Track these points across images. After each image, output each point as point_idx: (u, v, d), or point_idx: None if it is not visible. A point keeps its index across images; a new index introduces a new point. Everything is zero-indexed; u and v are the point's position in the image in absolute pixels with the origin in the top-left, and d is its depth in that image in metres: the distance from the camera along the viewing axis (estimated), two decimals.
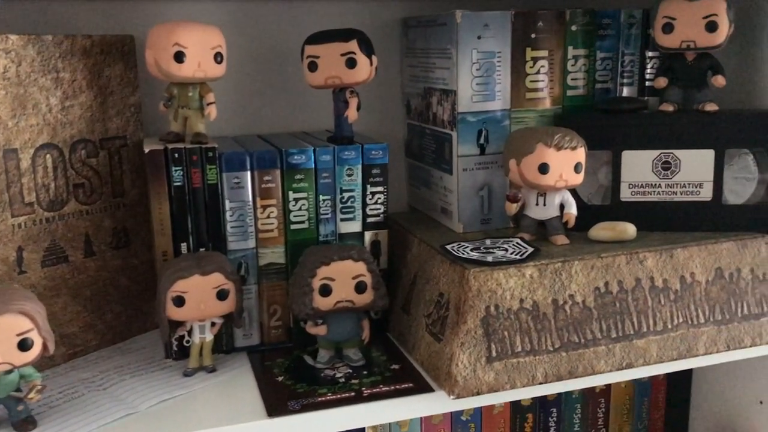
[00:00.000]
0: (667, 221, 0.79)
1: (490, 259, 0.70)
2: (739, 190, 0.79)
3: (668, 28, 0.76)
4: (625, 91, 0.85)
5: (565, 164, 0.73)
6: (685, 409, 0.98)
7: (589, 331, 0.70)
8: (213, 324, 0.71)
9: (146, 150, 0.71)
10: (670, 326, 0.72)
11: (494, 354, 0.67)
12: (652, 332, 0.72)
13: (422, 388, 0.67)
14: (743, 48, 0.84)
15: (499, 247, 0.73)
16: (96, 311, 0.77)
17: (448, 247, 0.74)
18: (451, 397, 0.65)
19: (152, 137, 0.77)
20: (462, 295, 0.67)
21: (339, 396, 0.66)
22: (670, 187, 0.79)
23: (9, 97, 0.67)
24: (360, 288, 0.70)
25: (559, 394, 0.91)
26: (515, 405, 0.89)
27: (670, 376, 0.96)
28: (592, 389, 0.92)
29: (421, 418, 0.86)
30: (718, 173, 0.78)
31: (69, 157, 0.73)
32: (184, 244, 0.73)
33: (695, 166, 0.78)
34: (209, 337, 0.71)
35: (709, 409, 0.94)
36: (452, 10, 0.76)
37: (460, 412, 0.87)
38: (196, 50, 0.70)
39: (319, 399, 0.65)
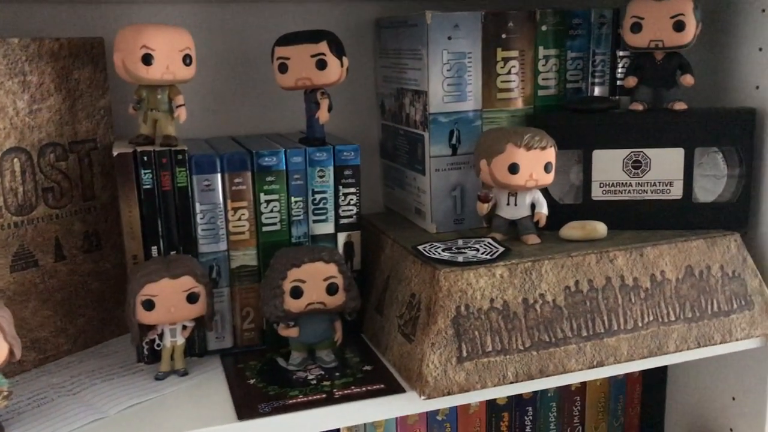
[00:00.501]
0: (639, 219, 0.80)
1: (460, 259, 0.70)
2: (709, 188, 0.80)
3: (636, 28, 0.76)
4: (597, 91, 0.85)
5: (535, 164, 0.74)
6: (661, 407, 0.98)
7: (560, 330, 0.70)
8: (184, 327, 0.71)
9: (115, 153, 0.70)
10: (640, 324, 0.73)
11: (465, 354, 0.67)
12: (622, 330, 0.72)
13: (394, 389, 0.67)
14: (713, 47, 0.85)
15: (470, 247, 0.73)
16: (67, 316, 0.76)
17: (420, 247, 0.74)
18: (422, 397, 0.65)
19: (123, 140, 0.77)
20: (433, 296, 0.67)
21: (310, 398, 0.66)
22: (641, 186, 0.79)
23: None
24: (331, 290, 0.70)
25: (535, 393, 0.91)
26: (491, 404, 0.89)
27: (646, 374, 0.97)
28: (567, 387, 0.93)
29: (396, 418, 0.86)
30: (687, 172, 0.78)
31: (38, 160, 0.72)
32: (155, 247, 0.72)
33: (665, 165, 0.79)
34: (180, 340, 0.71)
35: (684, 406, 0.95)
36: (423, 11, 0.77)
37: (436, 412, 0.87)
38: (164, 52, 0.70)
39: (290, 401, 0.65)
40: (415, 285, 0.71)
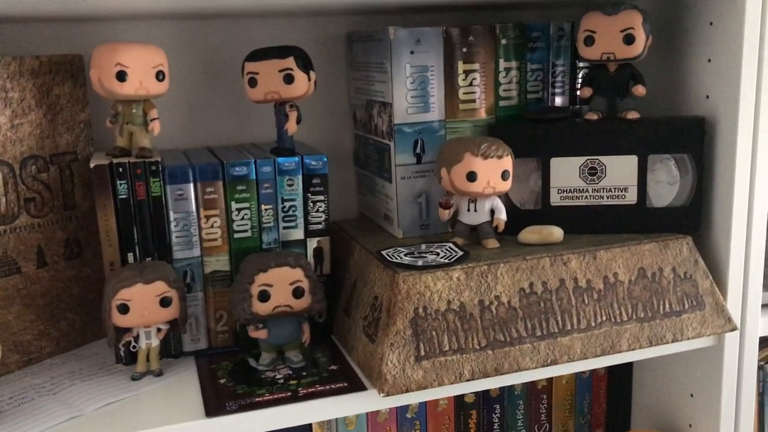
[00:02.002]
0: (596, 224, 0.83)
1: (420, 263, 0.74)
2: (663, 193, 0.83)
3: (589, 41, 0.80)
4: (557, 101, 0.89)
5: (492, 172, 0.77)
6: (627, 404, 1.02)
7: (515, 329, 0.74)
8: (159, 330, 0.75)
9: (92, 165, 0.74)
10: (593, 324, 0.76)
11: (423, 353, 0.70)
12: (576, 330, 0.76)
13: (356, 387, 0.71)
14: (664, 59, 0.88)
15: (431, 252, 0.77)
16: (50, 320, 0.80)
17: (384, 252, 0.78)
18: (381, 395, 0.69)
19: (102, 152, 0.81)
20: (392, 298, 0.71)
21: (275, 396, 0.70)
22: (597, 192, 0.83)
23: None
24: (297, 293, 0.74)
25: (502, 391, 0.95)
26: (459, 402, 0.93)
27: (611, 373, 1.00)
28: (534, 386, 0.96)
29: (367, 416, 0.89)
30: (641, 178, 0.82)
31: (20, 172, 0.76)
32: (131, 254, 0.76)
33: (620, 172, 0.82)
34: (155, 342, 0.75)
35: (648, 403, 0.99)
36: (388, 26, 0.80)
37: (405, 410, 0.91)
38: (137, 69, 0.73)
39: (257, 399, 0.69)
40: (378, 288, 0.75)
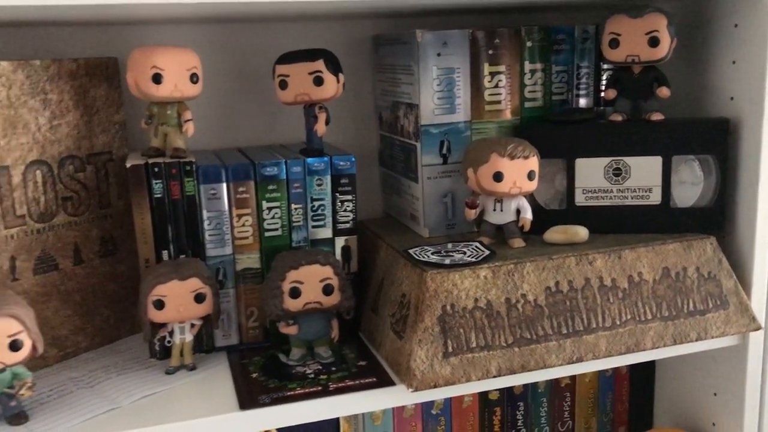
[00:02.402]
0: (620, 224, 0.84)
1: (447, 261, 0.75)
2: (687, 194, 0.84)
3: (614, 44, 0.81)
4: (581, 102, 0.90)
5: (518, 172, 0.79)
6: (650, 403, 1.03)
7: (541, 327, 0.75)
8: (192, 325, 0.77)
9: (128, 165, 0.76)
10: (618, 322, 0.77)
11: (450, 349, 0.72)
12: (601, 328, 0.77)
13: (385, 382, 0.73)
14: (689, 61, 0.89)
15: (458, 251, 0.79)
16: (86, 315, 0.82)
17: (411, 251, 0.79)
18: (410, 390, 0.70)
19: (136, 152, 0.83)
20: (420, 296, 0.73)
21: (306, 390, 0.71)
22: (622, 192, 0.84)
23: (0, 118, 0.73)
24: (327, 290, 0.75)
25: (526, 389, 0.96)
26: (483, 399, 0.94)
27: (634, 371, 1.01)
28: (557, 384, 0.97)
29: (393, 412, 0.91)
30: (665, 178, 0.83)
31: (57, 172, 0.78)
32: (165, 251, 0.78)
33: (644, 172, 0.83)
34: (189, 337, 0.77)
35: (671, 402, 0.99)
36: (415, 29, 0.82)
37: (431, 406, 0.92)
38: (172, 72, 0.76)
39: (288, 393, 0.71)
40: (406, 286, 0.76)
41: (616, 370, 1.00)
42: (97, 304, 0.83)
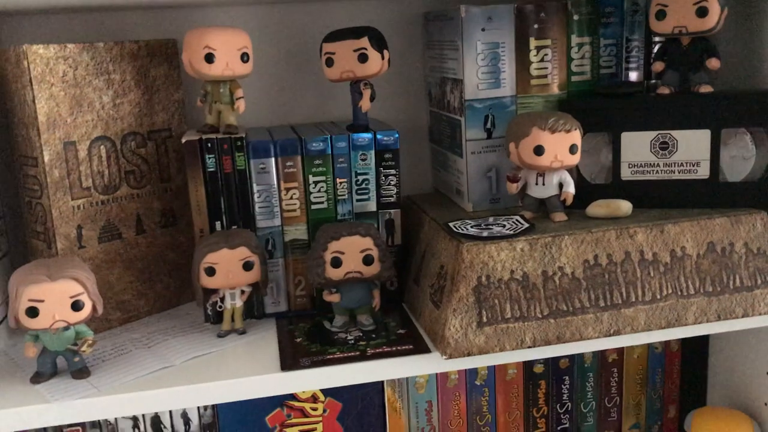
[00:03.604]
0: (667, 199, 0.83)
1: (485, 234, 0.76)
2: (737, 168, 0.82)
3: (661, 15, 0.80)
4: (632, 76, 0.89)
5: (559, 146, 0.79)
6: (702, 381, 1.01)
7: (578, 300, 0.75)
8: (242, 292, 0.81)
9: (183, 140, 0.81)
10: (659, 297, 0.77)
11: (485, 319, 0.73)
12: (640, 302, 0.77)
13: (421, 349, 0.75)
14: (745, 31, 0.87)
15: (498, 224, 0.80)
16: (147, 281, 0.88)
17: (451, 224, 0.81)
18: (444, 357, 0.72)
19: (194, 129, 0.87)
20: (456, 267, 0.74)
21: (345, 355, 0.74)
22: (669, 167, 0.83)
23: (68, 97, 0.79)
24: (367, 260, 0.78)
25: (571, 363, 0.96)
26: (528, 371, 0.95)
27: (685, 349, 1.00)
28: (604, 359, 0.97)
29: (437, 381, 0.93)
30: (714, 152, 0.81)
31: (120, 147, 0.84)
32: (218, 222, 0.83)
33: (692, 146, 0.82)
34: (239, 303, 0.81)
35: (723, 381, 0.98)
36: (462, 4, 0.83)
37: (474, 377, 0.94)
38: (224, 51, 0.79)
39: (328, 357, 0.74)
40: (444, 257, 0.78)
41: (665, 347, 0.99)
42: (158, 271, 0.89)
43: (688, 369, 1.00)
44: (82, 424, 0.88)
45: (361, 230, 0.78)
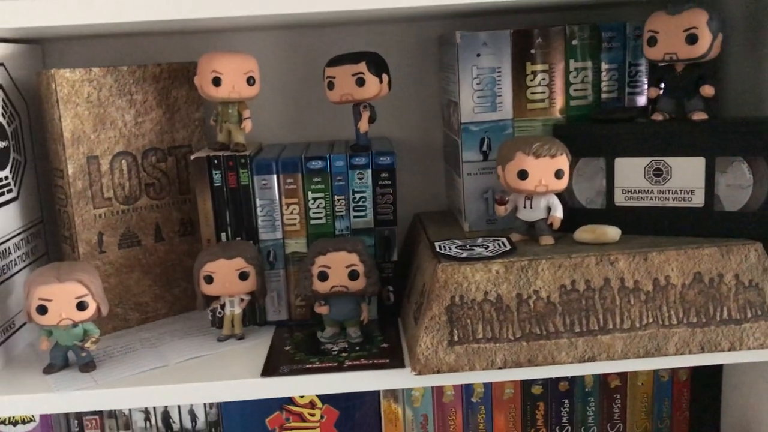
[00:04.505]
0: (661, 226, 0.82)
1: (464, 255, 0.79)
2: (734, 197, 0.80)
3: (652, 42, 0.79)
4: (636, 101, 0.88)
5: (544, 171, 0.80)
6: (716, 414, 0.98)
7: (552, 324, 0.76)
8: (241, 300, 0.86)
9: (192, 158, 0.88)
10: (638, 325, 0.76)
11: (456, 338, 0.76)
12: (618, 329, 0.76)
13: (396, 364, 0.78)
14: (752, 58, 0.84)
15: (482, 245, 0.81)
16: (165, 286, 0.95)
17: (438, 243, 0.83)
18: (413, 373, 0.75)
19: (212, 145, 0.94)
20: (432, 285, 0.77)
21: (324, 365, 0.78)
22: (662, 193, 0.82)
23: (92, 116, 0.87)
24: (353, 275, 0.82)
25: (571, 386, 0.96)
26: (526, 392, 0.96)
27: (695, 379, 0.97)
28: (606, 384, 0.96)
29: (433, 396, 0.96)
30: (709, 180, 0.80)
31: (141, 162, 0.92)
32: (224, 233, 0.89)
33: (686, 174, 0.80)
34: (238, 310, 0.87)
35: (737, 414, 0.94)
36: (458, 30, 0.85)
37: (471, 394, 0.96)
38: (230, 75, 0.85)
39: (307, 366, 0.78)
40: (426, 276, 0.81)
41: (673, 376, 0.97)
42: (175, 276, 0.96)
43: (700, 400, 0.98)
44: (99, 413, 0.96)
45: (347, 246, 0.82)
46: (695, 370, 0.97)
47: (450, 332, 0.76)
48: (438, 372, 0.75)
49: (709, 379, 0.97)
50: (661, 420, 0.98)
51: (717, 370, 0.97)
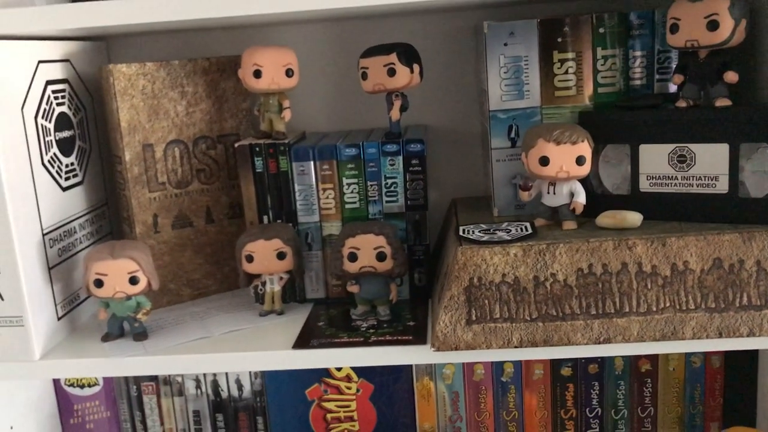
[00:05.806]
0: (685, 212, 0.83)
1: (485, 238, 0.82)
2: (760, 183, 0.80)
3: (674, 29, 0.80)
4: (665, 88, 0.89)
5: (565, 157, 0.82)
6: (751, 400, 0.97)
7: (568, 306, 0.79)
8: (280, 278, 0.93)
9: (236, 145, 0.94)
10: (654, 309, 0.78)
11: (474, 318, 0.79)
12: (634, 313, 0.78)
13: (418, 341, 0.82)
14: None
15: (504, 230, 0.84)
16: (215, 264, 1.03)
17: (462, 227, 0.87)
18: (432, 349, 0.79)
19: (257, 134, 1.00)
20: (451, 267, 0.81)
21: (350, 340, 0.83)
22: (686, 180, 0.82)
23: (146, 107, 0.94)
24: (380, 257, 0.86)
25: (601, 368, 0.98)
26: (555, 373, 0.98)
27: (729, 366, 0.97)
28: (636, 367, 0.97)
29: (463, 374, 0.99)
30: (733, 167, 0.80)
31: (192, 149, 0.99)
32: (266, 216, 0.95)
33: (710, 160, 0.81)
34: (277, 287, 0.93)
35: None
36: (485, 21, 0.88)
37: (501, 373, 0.99)
38: (270, 68, 0.91)
39: (335, 340, 0.84)
40: (449, 258, 0.84)
41: (705, 362, 0.97)
42: (224, 256, 1.03)
43: (734, 387, 0.97)
44: (155, 379, 1.05)
45: (375, 229, 0.86)
46: (729, 358, 0.97)
47: (468, 312, 0.79)
48: (456, 349, 0.79)
49: (744, 367, 0.96)
50: (693, 405, 0.98)
51: (752, 357, 0.97)
